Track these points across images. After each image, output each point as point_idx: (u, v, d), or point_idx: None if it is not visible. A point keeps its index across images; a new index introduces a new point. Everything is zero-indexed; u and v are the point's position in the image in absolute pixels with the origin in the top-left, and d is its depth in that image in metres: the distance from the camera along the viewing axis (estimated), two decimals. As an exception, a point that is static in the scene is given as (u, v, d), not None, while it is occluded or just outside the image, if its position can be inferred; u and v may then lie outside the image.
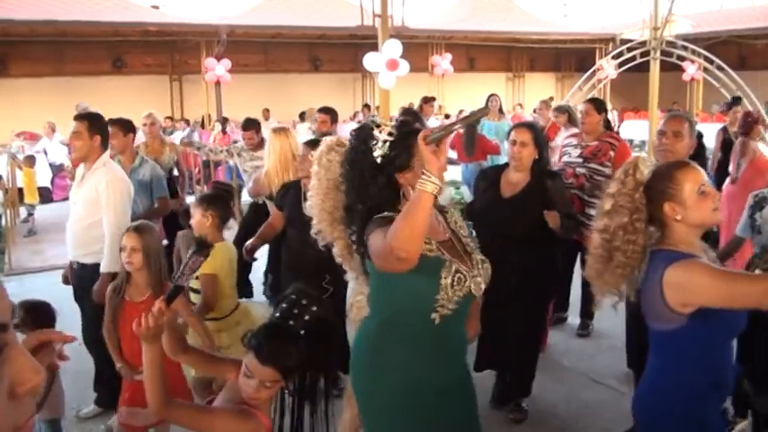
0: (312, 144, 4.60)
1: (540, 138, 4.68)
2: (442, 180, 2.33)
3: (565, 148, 6.40)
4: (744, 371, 3.46)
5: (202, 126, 19.39)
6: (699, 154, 5.41)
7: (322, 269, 4.50)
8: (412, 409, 2.68)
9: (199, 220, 4.42)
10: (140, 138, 7.40)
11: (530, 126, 4.83)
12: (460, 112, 18.80)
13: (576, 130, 7.20)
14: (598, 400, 5.07)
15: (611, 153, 5.87)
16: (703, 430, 2.61)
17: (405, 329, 2.68)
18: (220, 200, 4.66)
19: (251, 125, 7.66)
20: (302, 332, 2.33)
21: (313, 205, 3.74)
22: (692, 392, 2.57)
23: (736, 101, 11.08)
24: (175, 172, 7.78)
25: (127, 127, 6.11)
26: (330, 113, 7.46)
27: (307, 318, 2.35)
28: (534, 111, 13.25)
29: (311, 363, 2.40)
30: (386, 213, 2.61)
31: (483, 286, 2.69)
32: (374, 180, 2.63)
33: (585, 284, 6.76)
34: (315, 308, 2.37)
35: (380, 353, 2.75)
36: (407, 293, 2.63)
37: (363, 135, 2.69)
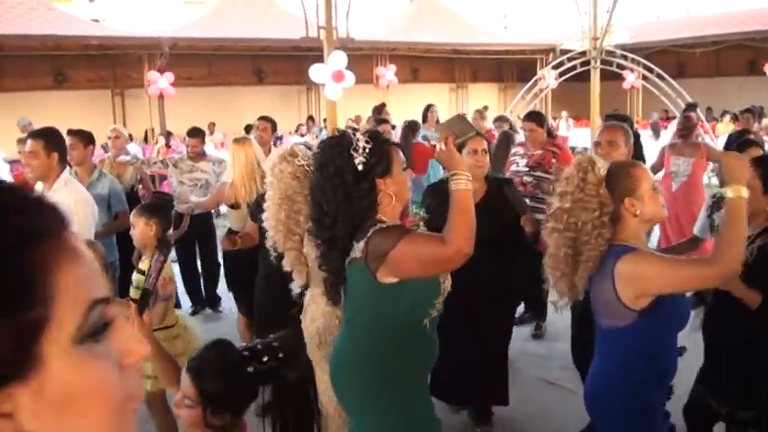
0: None
1: (490, 147, 4.76)
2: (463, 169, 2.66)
3: (513, 158, 6.58)
4: (708, 389, 3.53)
5: (146, 141, 19.15)
6: (637, 155, 5.56)
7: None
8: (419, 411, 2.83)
9: (142, 229, 4.33)
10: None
11: (483, 135, 4.93)
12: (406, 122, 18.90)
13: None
14: (552, 401, 5.15)
15: (554, 160, 6.08)
16: (651, 419, 2.74)
17: (400, 339, 2.73)
18: (162, 209, 4.63)
19: (197, 133, 7.59)
20: (249, 369, 2.22)
21: (269, 216, 3.76)
22: (641, 385, 2.67)
23: (691, 107, 11.40)
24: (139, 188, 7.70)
25: (87, 138, 6.04)
26: (270, 122, 7.51)
27: (264, 364, 2.24)
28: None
29: (236, 404, 2.24)
30: (388, 223, 2.66)
31: None
32: (357, 187, 2.66)
33: (537, 287, 6.89)
34: (279, 364, 2.26)
35: (380, 368, 2.75)
36: (411, 301, 2.70)
37: (343, 142, 2.71)
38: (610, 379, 2.75)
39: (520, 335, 6.50)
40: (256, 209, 5.03)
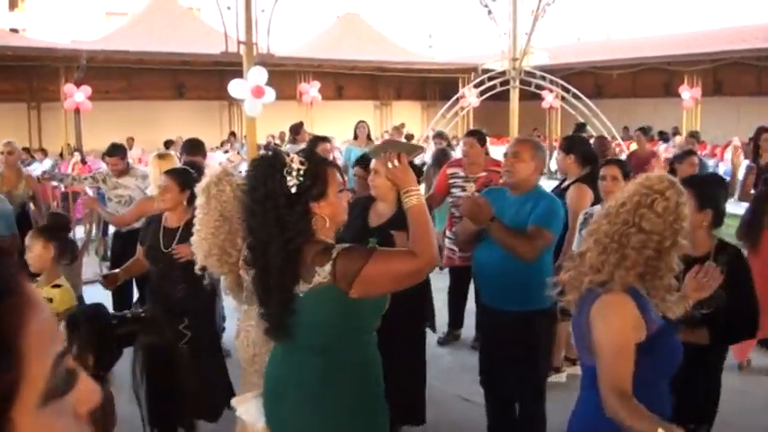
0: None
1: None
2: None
3: (452, 180, 6.50)
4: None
5: (61, 156, 18.65)
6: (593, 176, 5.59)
7: (182, 312, 4.37)
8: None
9: (39, 253, 4.13)
10: None
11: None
12: (332, 138, 18.88)
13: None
14: (467, 417, 5.16)
15: (501, 180, 6.07)
16: None
17: (365, 354, 2.79)
18: (61, 231, 4.48)
19: (116, 151, 7.35)
20: (118, 329, 2.65)
21: (202, 238, 3.62)
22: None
23: (581, 127, 11.90)
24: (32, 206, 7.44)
25: None
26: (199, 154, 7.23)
27: (128, 326, 2.66)
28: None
29: (101, 355, 2.63)
30: (346, 245, 2.61)
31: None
32: (291, 210, 2.58)
33: (451, 297, 6.95)
34: (139, 328, 2.66)
35: (351, 388, 2.74)
36: (372, 311, 2.73)
37: (275, 163, 2.61)
38: (594, 419, 2.61)
39: (435, 350, 6.53)
40: (144, 232, 4.89)
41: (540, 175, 4.43)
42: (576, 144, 5.80)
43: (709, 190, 3.49)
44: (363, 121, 11.50)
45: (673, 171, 6.33)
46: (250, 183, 2.68)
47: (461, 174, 6.50)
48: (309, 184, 2.61)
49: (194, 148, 7.26)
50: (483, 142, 6.48)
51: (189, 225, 4.57)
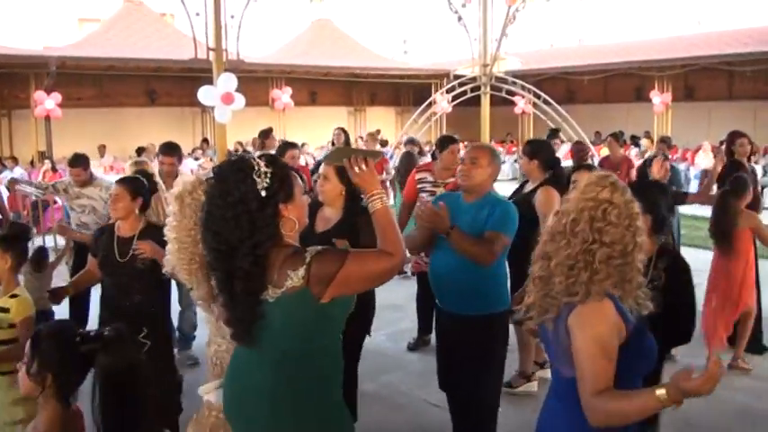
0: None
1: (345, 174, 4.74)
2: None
3: (420, 185, 6.57)
4: None
5: (32, 164, 18.47)
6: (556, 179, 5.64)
7: (139, 321, 4.33)
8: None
9: None
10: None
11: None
12: (303, 144, 18.84)
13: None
14: (436, 422, 5.14)
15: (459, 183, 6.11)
16: None
17: (333, 359, 2.77)
18: (18, 240, 4.41)
19: (78, 162, 7.23)
20: (81, 347, 2.56)
21: (179, 248, 3.55)
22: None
23: (555, 133, 12.05)
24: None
25: None
26: (174, 155, 7.13)
27: (94, 346, 2.55)
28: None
29: (63, 374, 2.57)
30: (318, 247, 2.59)
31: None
32: (261, 213, 2.57)
33: (420, 303, 6.94)
34: (100, 347, 2.55)
35: (323, 395, 2.74)
36: (342, 313, 2.73)
37: (244, 167, 2.60)
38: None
39: (407, 357, 6.52)
40: (96, 242, 4.82)
41: (494, 181, 4.47)
42: (539, 149, 5.84)
43: (649, 195, 3.53)
44: (341, 128, 11.48)
45: (644, 175, 6.40)
46: (219, 187, 2.63)
47: (430, 179, 6.54)
48: (277, 187, 2.61)
49: (170, 150, 7.16)
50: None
51: (143, 234, 4.53)
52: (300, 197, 2.74)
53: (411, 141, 11.57)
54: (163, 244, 4.22)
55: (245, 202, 2.55)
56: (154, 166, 6.99)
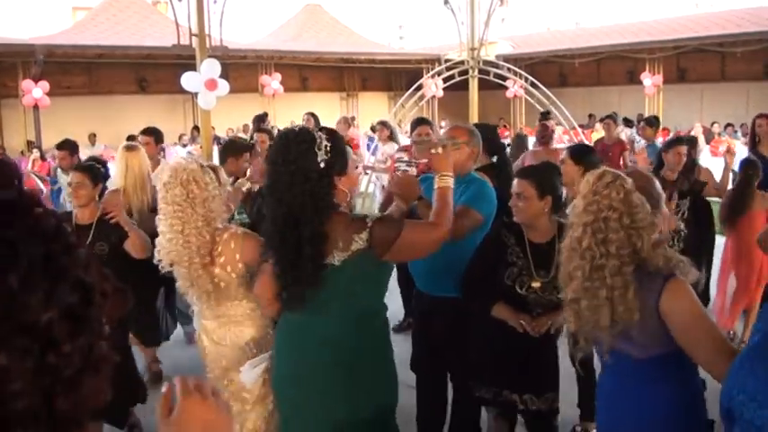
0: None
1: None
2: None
3: (397, 164, 6.55)
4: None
5: (22, 153, 18.35)
6: (501, 167, 5.54)
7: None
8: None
9: None
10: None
11: None
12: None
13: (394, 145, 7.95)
14: (413, 404, 5.10)
15: None
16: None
17: (382, 315, 3.10)
18: None
19: (65, 145, 7.25)
20: None
21: (185, 241, 3.44)
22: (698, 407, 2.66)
23: (546, 116, 11.95)
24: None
25: None
26: (153, 134, 7.00)
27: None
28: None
29: None
30: (377, 214, 3.01)
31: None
32: (320, 184, 2.77)
33: (404, 286, 6.92)
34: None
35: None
36: (389, 276, 3.13)
37: (307, 139, 2.80)
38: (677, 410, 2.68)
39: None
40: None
41: (476, 161, 4.39)
42: (484, 133, 5.66)
43: (547, 178, 3.68)
44: (310, 113, 11.30)
45: (661, 162, 6.34)
46: (283, 157, 2.79)
47: (406, 158, 6.52)
48: (334, 160, 2.81)
49: (147, 131, 7.04)
50: (433, 130, 6.53)
51: (101, 221, 4.47)
52: (353, 170, 3.04)
53: (383, 123, 11.45)
54: (121, 231, 4.31)
55: (304, 172, 2.75)
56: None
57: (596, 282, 2.56)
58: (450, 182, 3.08)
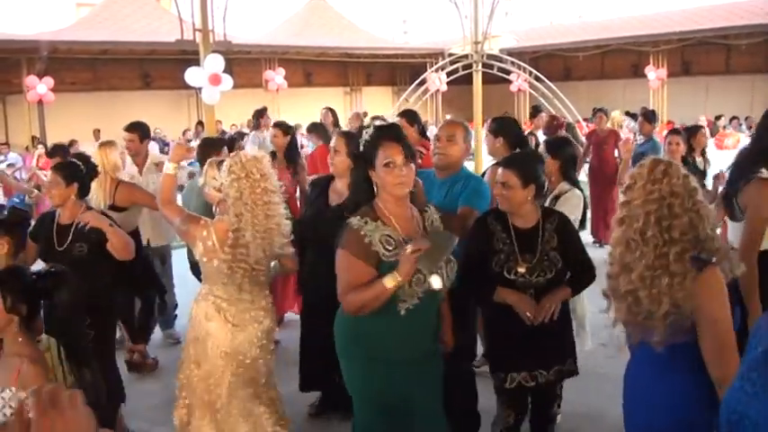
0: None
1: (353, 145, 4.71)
2: (407, 279, 2.98)
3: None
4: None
5: (27, 149, 18.37)
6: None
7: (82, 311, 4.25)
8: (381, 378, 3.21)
9: None
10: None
11: (345, 134, 4.92)
12: (297, 126, 18.76)
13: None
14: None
15: (420, 161, 6.04)
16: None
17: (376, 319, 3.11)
18: (17, 226, 4.32)
19: (56, 152, 7.20)
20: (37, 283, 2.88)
21: (265, 219, 3.73)
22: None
23: (537, 110, 12.01)
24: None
25: None
26: (137, 131, 6.74)
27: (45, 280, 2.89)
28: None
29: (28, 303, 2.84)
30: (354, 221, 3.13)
31: (443, 284, 3.06)
32: (356, 172, 3.29)
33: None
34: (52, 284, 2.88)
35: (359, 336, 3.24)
36: None
37: (357, 136, 3.34)
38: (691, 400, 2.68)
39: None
40: (38, 228, 4.71)
41: (467, 157, 4.51)
42: (505, 127, 5.63)
43: (530, 167, 3.76)
44: (329, 108, 11.27)
45: (690, 146, 6.41)
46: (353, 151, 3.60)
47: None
48: (365, 153, 3.16)
49: (131, 126, 6.86)
50: (413, 123, 6.43)
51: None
52: (381, 167, 3.10)
53: (376, 118, 11.24)
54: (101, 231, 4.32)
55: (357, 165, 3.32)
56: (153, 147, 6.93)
57: (658, 270, 2.57)
58: (393, 284, 2.96)
